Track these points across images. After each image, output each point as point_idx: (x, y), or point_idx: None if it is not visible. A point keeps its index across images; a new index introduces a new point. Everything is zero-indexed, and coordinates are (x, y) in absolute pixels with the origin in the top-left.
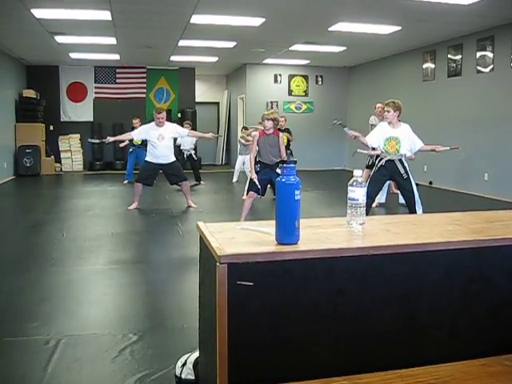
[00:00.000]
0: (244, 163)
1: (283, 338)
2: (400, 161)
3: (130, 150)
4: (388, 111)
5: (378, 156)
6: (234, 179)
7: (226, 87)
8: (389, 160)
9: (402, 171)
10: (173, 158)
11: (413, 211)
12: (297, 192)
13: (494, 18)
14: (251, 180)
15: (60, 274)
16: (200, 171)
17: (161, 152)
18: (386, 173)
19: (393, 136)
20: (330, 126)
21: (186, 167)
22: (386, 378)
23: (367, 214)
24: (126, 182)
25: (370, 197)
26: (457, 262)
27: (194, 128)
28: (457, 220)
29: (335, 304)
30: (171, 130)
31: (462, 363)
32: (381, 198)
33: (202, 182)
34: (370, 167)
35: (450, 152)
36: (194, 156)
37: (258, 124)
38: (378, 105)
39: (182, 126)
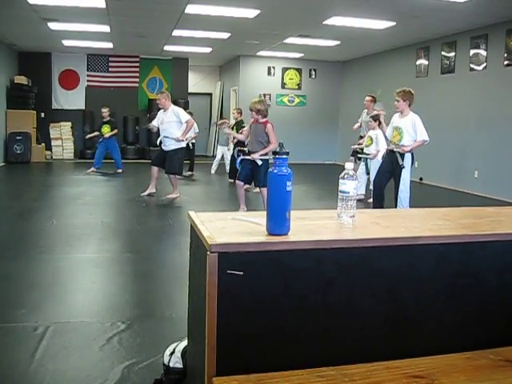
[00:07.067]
0: (223, 155)
1: (272, 328)
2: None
3: (100, 140)
4: (397, 100)
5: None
6: (212, 171)
7: (219, 78)
8: (391, 151)
9: (401, 162)
10: (172, 147)
11: (395, 205)
12: (288, 183)
13: (488, 16)
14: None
15: (49, 262)
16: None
17: (162, 137)
18: (389, 163)
19: (397, 126)
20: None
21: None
22: (372, 369)
23: (383, 206)
24: (91, 170)
25: (379, 188)
26: (445, 257)
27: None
28: (446, 215)
29: (324, 295)
30: (170, 113)
31: (448, 356)
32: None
33: (192, 173)
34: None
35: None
36: (190, 145)
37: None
38: (367, 98)
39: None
